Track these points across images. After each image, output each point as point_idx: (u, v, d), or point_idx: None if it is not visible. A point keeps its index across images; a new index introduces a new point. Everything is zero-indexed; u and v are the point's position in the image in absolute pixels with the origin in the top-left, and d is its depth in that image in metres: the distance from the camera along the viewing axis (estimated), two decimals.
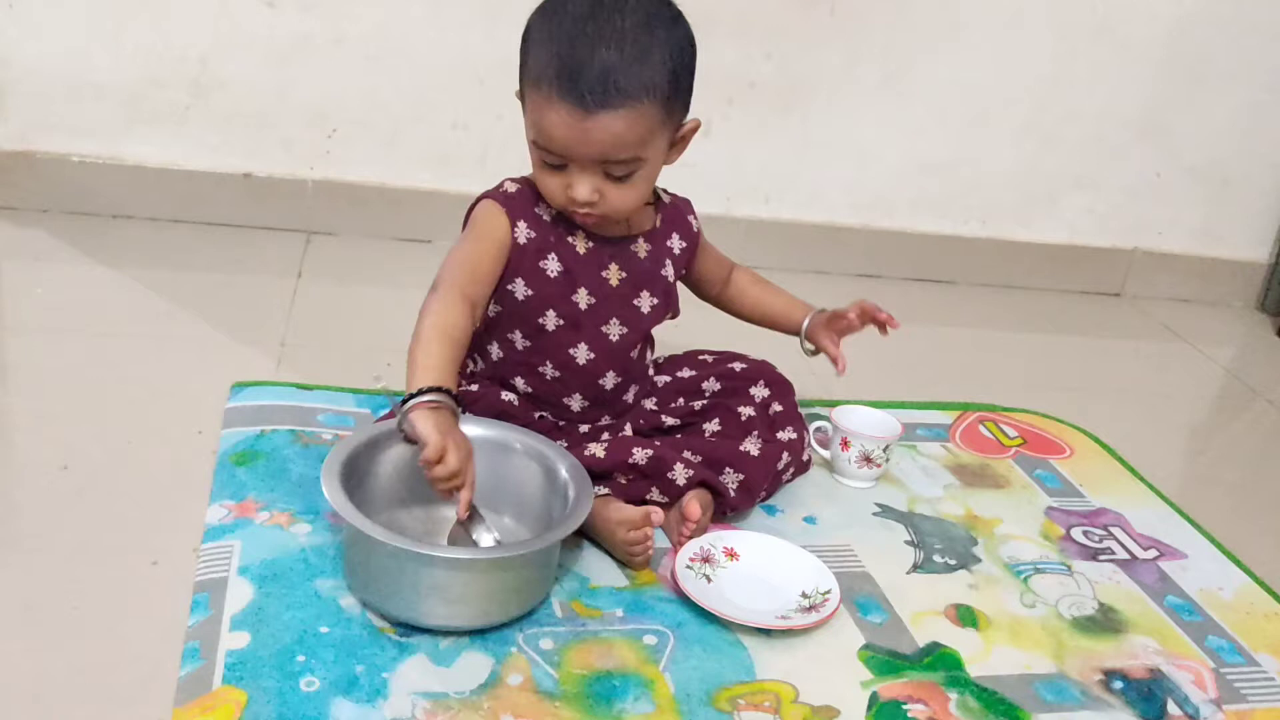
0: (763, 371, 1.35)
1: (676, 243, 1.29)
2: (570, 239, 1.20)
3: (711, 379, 1.34)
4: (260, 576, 1.07)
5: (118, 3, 1.79)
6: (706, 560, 1.17)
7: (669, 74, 1.09)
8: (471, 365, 1.28)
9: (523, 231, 1.19)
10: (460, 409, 1.08)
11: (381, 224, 1.97)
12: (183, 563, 1.09)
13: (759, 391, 1.32)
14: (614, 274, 1.22)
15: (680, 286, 1.33)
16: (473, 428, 1.16)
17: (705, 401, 1.31)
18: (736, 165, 2.03)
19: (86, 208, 1.88)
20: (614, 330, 1.23)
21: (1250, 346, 2.18)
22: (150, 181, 1.88)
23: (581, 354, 1.22)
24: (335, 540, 1.13)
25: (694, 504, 1.18)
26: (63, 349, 1.47)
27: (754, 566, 1.18)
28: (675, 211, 1.30)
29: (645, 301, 1.25)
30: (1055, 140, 2.15)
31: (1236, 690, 1.14)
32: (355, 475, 1.08)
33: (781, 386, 1.35)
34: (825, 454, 1.42)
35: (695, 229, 1.32)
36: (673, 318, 1.31)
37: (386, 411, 1.23)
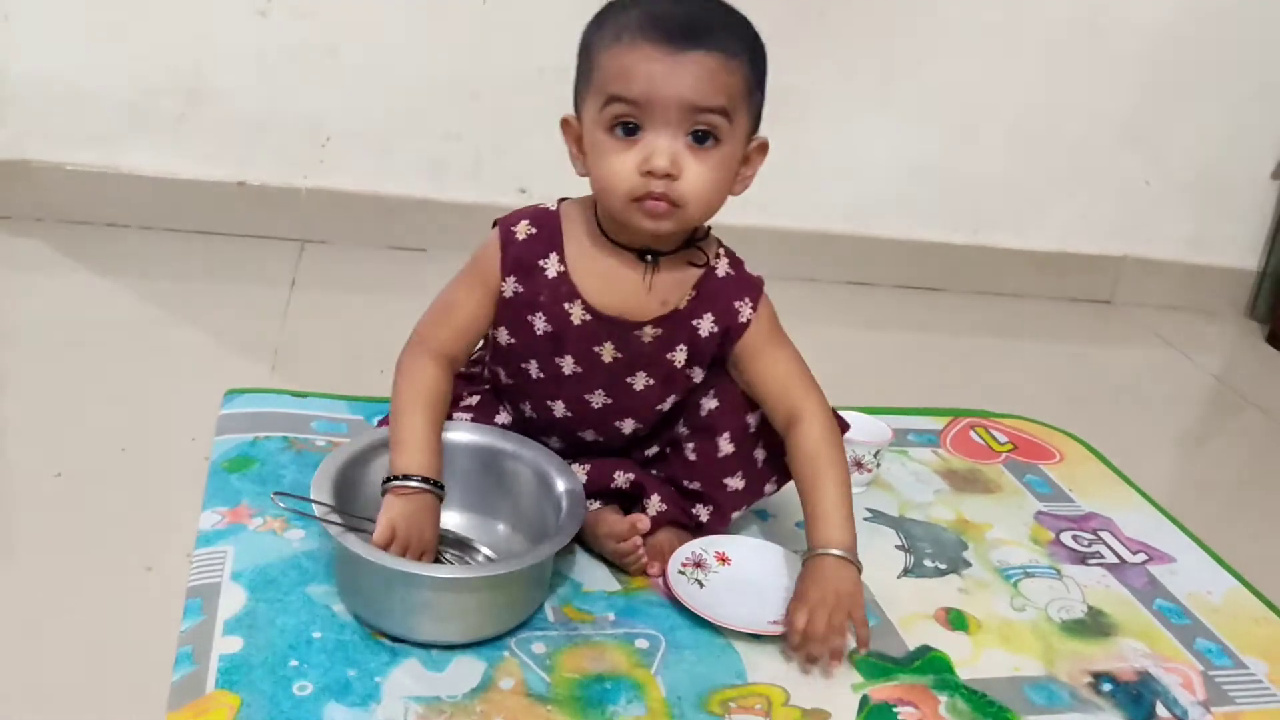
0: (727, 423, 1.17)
1: (707, 324, 1.11)
2: (567, 306, 1.09)
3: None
4: (253, 582, 1.08)
5: (113, 13, 1.80)
6: (699, 565, 1.18)
7: (754, 50, 1.03)
8: (482, 370, 1.24)
9: (510, 286, 1.10)
10: (441, 493, 1.05)
11: (375, 232, 1.98)
12: (176, 568, 1.09)
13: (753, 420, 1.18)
14: (608, 351, 1.11)
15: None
16: (470, 434, 1.16)
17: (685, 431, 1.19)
18: None
19: (81, 216, 1.88)
20: (598, 400, 1.14)
21: (1239, 353, 2.20)
22: (144, 190, 1.89)
23: (559, 409, 1.16)
24: (328, 546, 1.13)
25: (643, 522, 1.14)
26: (57, 357, 1.47)
27: (746, 571, 1.19)
28: (724, 289, 1.12)
29: (640, 381, 1.13)
30: (1045, 148, 2.16)
31: (1224, 693, 1.14)
32: (348, 485, 1.08)
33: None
34: None
35: (743, 319, 1.12)
36: (680, 399, 1.16)
37: (382, 418, 1.23)
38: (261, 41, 1.85)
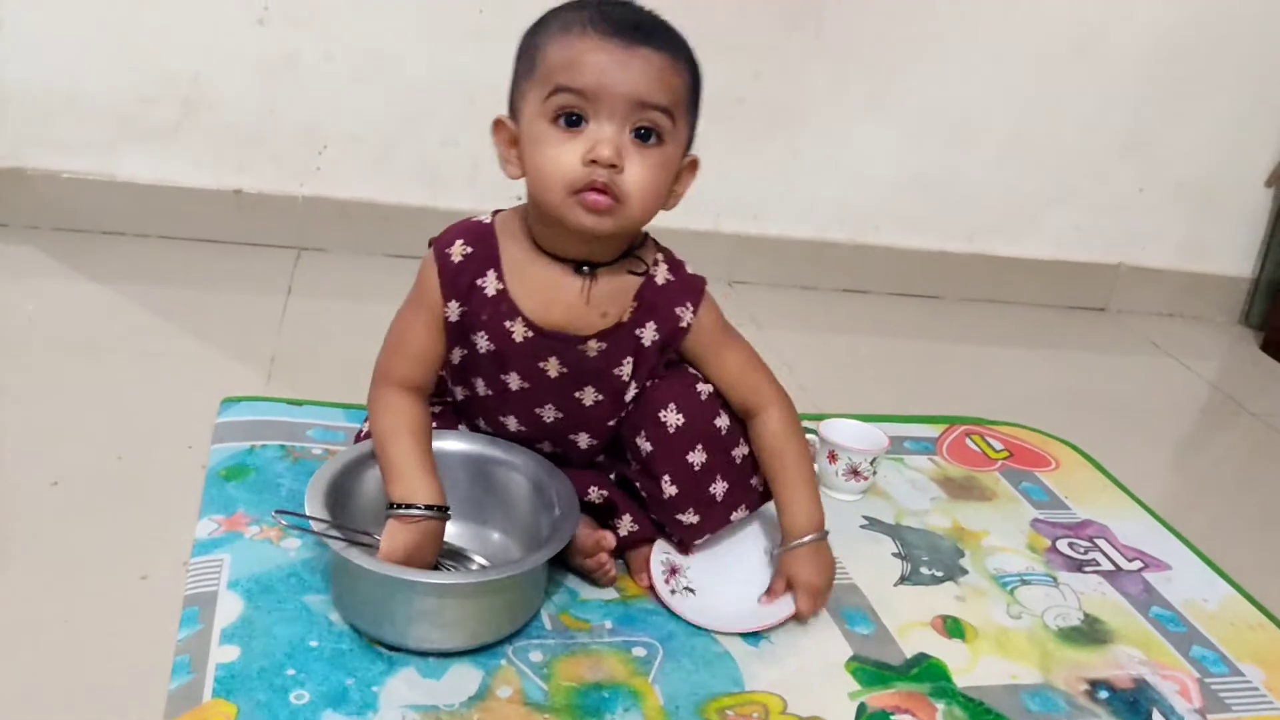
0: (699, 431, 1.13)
1: (649, 333, 1.10)
2: (508, 324, 1.07)
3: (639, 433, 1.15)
4: (250, 590, 1.07)
5: (109, 20, 1.80)
6: (674, 572, 1.17)
7: (693, 63, 1.04)
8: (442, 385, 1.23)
9: (454, 310, 1.08)
10: (446, 516, 1.04)
11: (371, 240, 1.98)
12: (173, 577, 1.09)
13: (721, 423, 1.14)
14: (553, 366, 1.10)
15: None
16: (464, 443, 1.17)
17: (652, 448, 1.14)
18: (724, 182, 2.05)
19: (77, 224, 1.88)
20: (548, 414, 1.13)
21: (1234, 360, 2.20)
22: (141, 198, 1.89)
23: (512, 424, 1.15)
24: (324, 555, 1.13)
25: (609, 540, 1.13)
26: (53, 365, 1.47)
27: (719, 549, 1.20)
28: (664, 296, 1.10)
29: (589, 396, 1.12)
30: (1040, 156, 2.17)
31: (1221, 700, 1.15)
32: (342, 494, 1.08)
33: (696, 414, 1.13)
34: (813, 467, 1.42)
35: (683, 324, 1.11)
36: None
37: (361, 432, 1.22)
38: (258, 50, 1.85)
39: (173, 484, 1.24)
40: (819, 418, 1.46)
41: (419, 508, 1.02)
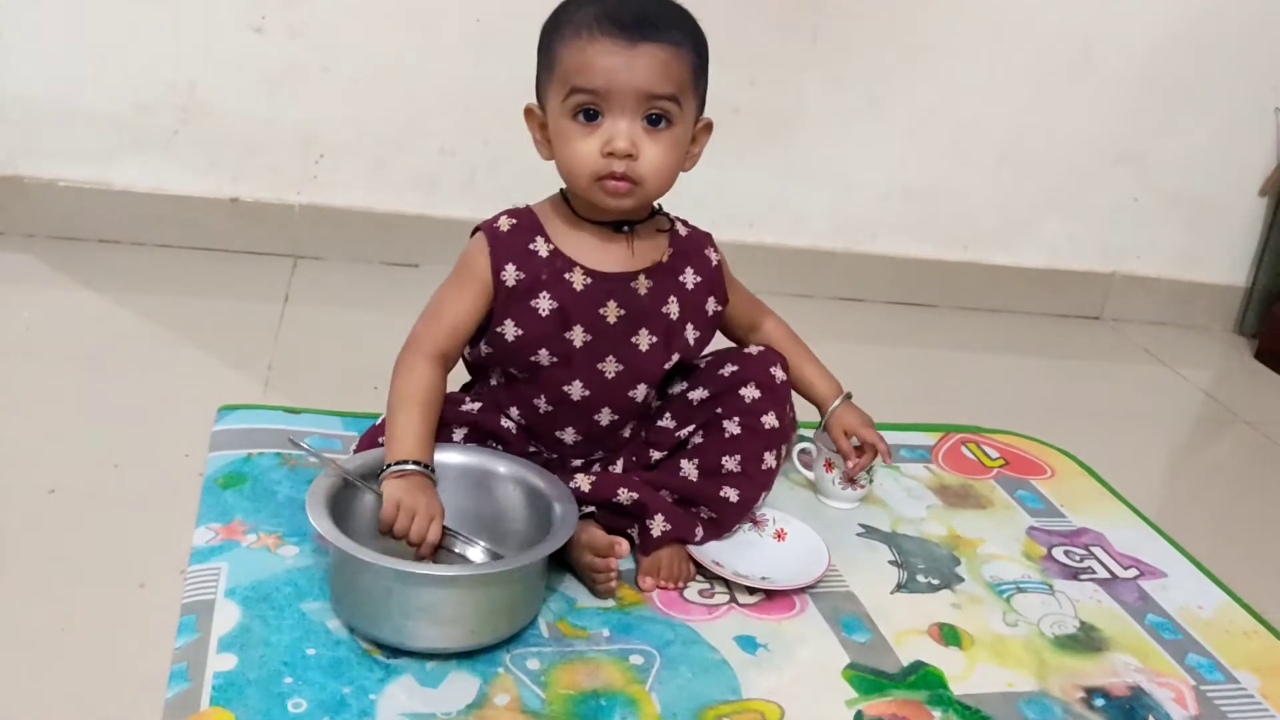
0: (753, 373, 1.25)
1: (690, 277, 1.23)
2: (568, 275, 1.17)
3: (700, 388, 1.25)
4: (247, 598, 1.08)
5: (106, 28, 1.80)
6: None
7: (697, 40, 1.13)
8: (477, 386, 1.28)
9: (510, 274, 1.16)
10: (433, 476, 1.12)
11: (368, 248, 1.98)
12: (170, 585, 1.09)
13: (749, 393, 1.24)
14: (612, 311, 1.18)
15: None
16: (456, 455, 1.17)
17: (689, 429, 1.26)
18: (720, 190, 2.05)
19: (74, 232, 1.89)
20: (610, 368, 1.19)
21: (1228, 369, 2.21)
22: (138, 206, 1.89)
23: (576, 390, 1.19)
24: (322, 563, 1.13)
25: (623, 546, 1.16)
26: (50, 373, 1.47)
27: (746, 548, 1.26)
28: (690, 244, 1.25)
29: (644, 340, 1.20)
30: (1035, 165, 2.18)
31: (1217, 708, 1.15)
32: (341, 504, 1.08)
33: (772, 391, 1.25)
34: (810, 475, 1.43)
35: (714, 262, 1.26)
36: (683, 359, 1.24)
37: (358, 444, 1.24)
38: (255, 58, 1.85)
39: (170, 492, 1.24)
40: (816, 425, 1.46)
41: (408, 463, 1.10)
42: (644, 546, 1.21)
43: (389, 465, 1.10)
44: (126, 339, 1.60)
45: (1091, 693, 1.14)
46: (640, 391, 1.22)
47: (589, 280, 1.17)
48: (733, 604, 1.19)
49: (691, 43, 1.12)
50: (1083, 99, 2.14)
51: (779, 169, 2.08)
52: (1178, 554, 1.42)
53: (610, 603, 1.16)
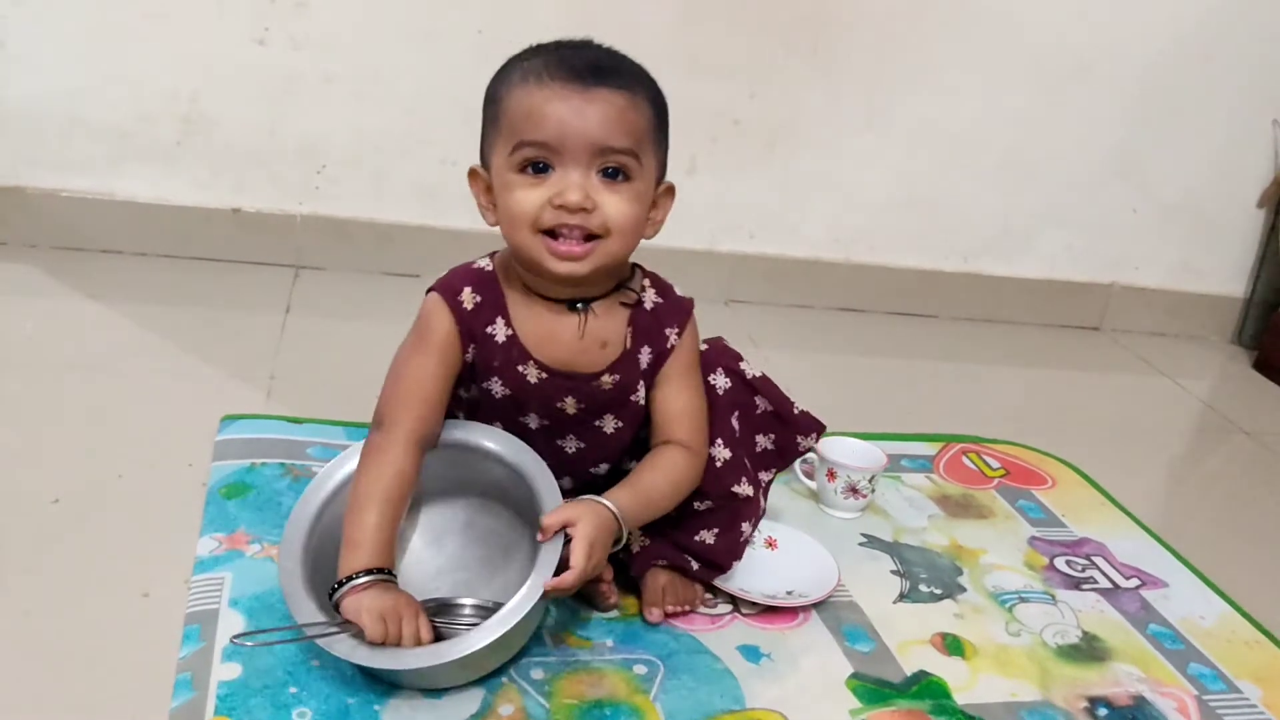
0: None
1: (645, 356, 1.11)
2: (521, 368, 1.07)
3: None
4: (251, 608, 1.08)
5: (109, 40, 1.81)
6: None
7: (654, 95, 1.04)
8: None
9: (471, 353, 1.08)
10: (392, 576, 1.00)
11: (370, 259, 1.98)
12: (174, 595, 1.09)
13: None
14: (570, 405, 1.09)
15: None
16: (459, 503, 1.15)
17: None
18: (720, 202, 2.06)
19: (76, 243, 1.89)
20: (570, 445, 1.13)
21: (1227, 379, 2.22)
22: (140, 217, 1.89)
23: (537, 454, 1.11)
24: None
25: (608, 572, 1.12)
26: (52, 383, 1.47)
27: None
28: (653, 318, 1.11)
29: (609, 424, 1.12)
30: (1034, 177, 2.18)
31: (1219, 717, 1.15)
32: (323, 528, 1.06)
33: (719, 409, 1.16)
34: (811, 485, 1.43)
35: (669, 345, 1.11)
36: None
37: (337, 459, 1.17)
38: (258, 70, 1.86)
39: (173, 502, 1.24)
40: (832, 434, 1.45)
41: (361, 575, 0.98)
42: (633, 567, 1.17)
43: (347, 579, 0.98)
44: (129, 349, 1.60)
45: (1094, 702, 1.14)
46: (603, 469, 1.15)
47: (544, 375, 1.07)
48: (736, 613, 1.19)
49: (648, 95, 1.02)
50: (1081, 111, 2.15)
51: (779, 180, 2.09)
52: (1179, 564, 1.43)
53: (614, 612, 1.16)
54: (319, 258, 1.97)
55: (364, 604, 0.97)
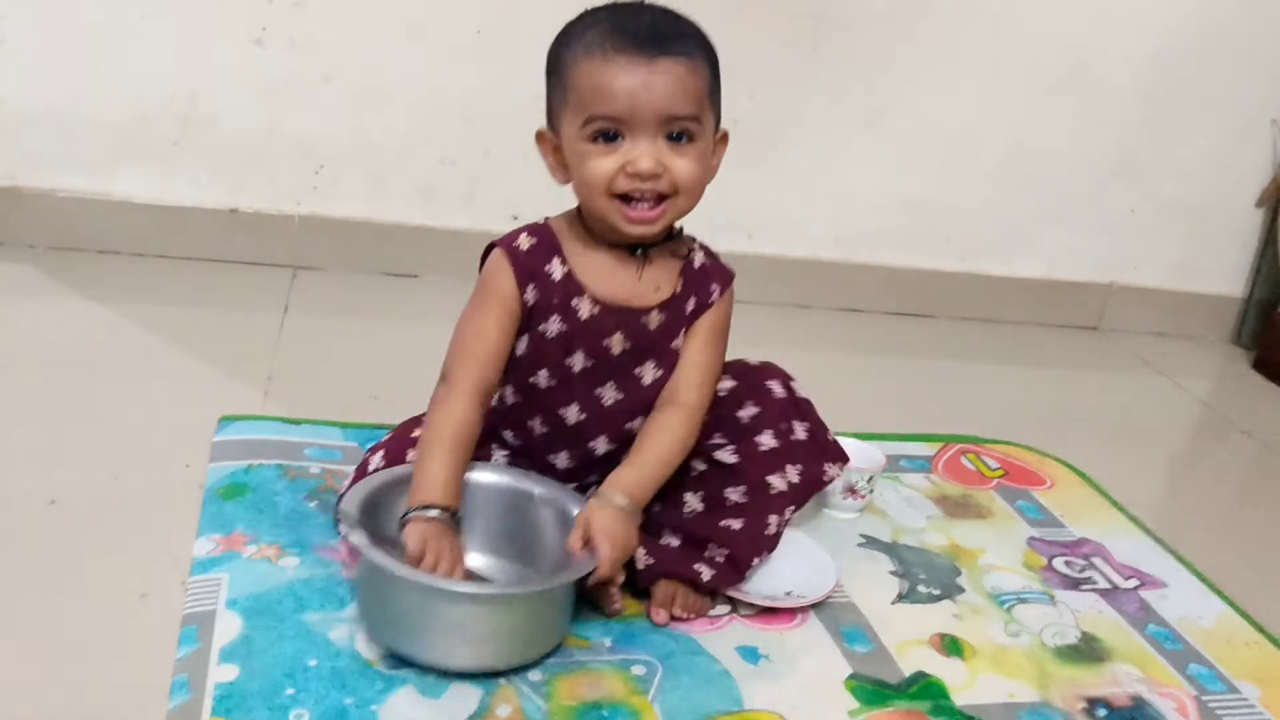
0: (752, 391, 1.21)
1: (690, 306, 1.18)
2: (574, 301, 1.13)
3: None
4: (248, 609, 1.07)
5: (107, 39, 1.81)
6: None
7: (709, 53, 1.10)
8: None
9: (530, 294, 1.13)
10: (457, 520, 1.07)
11: (368, 259, 1.98)
12: (171, 595, 1.09)
13: (746, 413, 1.19)
14: (617, 342, 1.15)
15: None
16: (490, 474, 1.16)
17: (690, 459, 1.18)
18: (719, 201, 2.02)
19: (73, 243, 1.88)
20: (609, 394, 1.16)
21: (1226, 379, 2.22)
22: (137, 217, 1.89)
23: (572, 414, 1.17)
24: (324, 573, 1.13)
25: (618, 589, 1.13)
26: (49, 383, 1.47)
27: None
28: (702, 275, 1.19)
29: (649, 372, 1.17)
30: (1033, 177, 2.18)
31: (1218, 718, 1.15)
32: (374, 515, 1.07)
33: (770, 408, 1.20)
34: None
35: (711, 299, 1.18)
36: None
37: (374, 444, 1.23)
38: (256, 69, 1.85)
39: (170, 503, 1.24)
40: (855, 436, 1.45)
41: (433, 509, 1.05)
42: (641, 580, 1.16)
43: (412, 509, 1.05)
44: (126, 349, 1.60)
45: (1093, 703, 1.14)
46: (638, 423, 1.18)
47: (596, 309, 1.14)
48: (734, 614, 1.19)
49: (705, 55, 1.09)
50: (1080, 110, 2.15)
51: (778, 180, 2.09)
52: (1178, 564, 1.42)
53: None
54: (317, 258, 1.97)
55: (417, 531, 1.03)
